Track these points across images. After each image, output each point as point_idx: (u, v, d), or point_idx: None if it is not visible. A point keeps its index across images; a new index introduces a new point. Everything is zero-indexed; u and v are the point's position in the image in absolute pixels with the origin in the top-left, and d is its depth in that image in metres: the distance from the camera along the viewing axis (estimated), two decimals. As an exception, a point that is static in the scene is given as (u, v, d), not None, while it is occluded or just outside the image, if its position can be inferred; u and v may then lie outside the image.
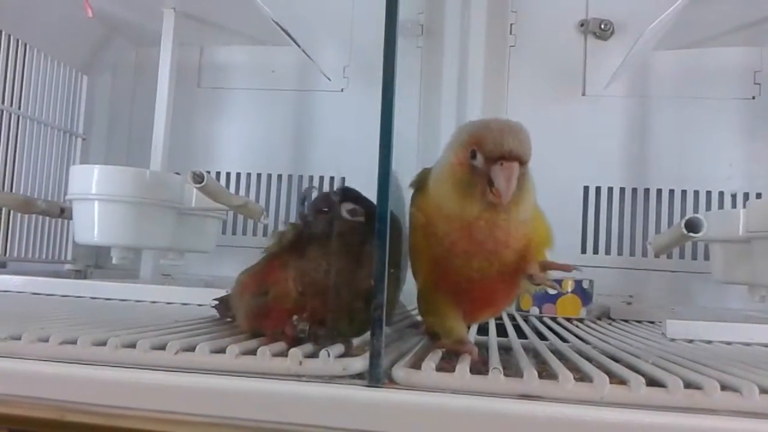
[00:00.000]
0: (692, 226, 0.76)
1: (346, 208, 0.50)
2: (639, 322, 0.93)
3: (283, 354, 0.44)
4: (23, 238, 1.15)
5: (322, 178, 1.26)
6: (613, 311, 0.99)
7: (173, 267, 1.11)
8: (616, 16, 1.19)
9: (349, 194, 0.52)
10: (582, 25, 1.20)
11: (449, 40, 1.19)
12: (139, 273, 1.06)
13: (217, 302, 0.65)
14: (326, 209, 0.51)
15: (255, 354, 0.44)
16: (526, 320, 0.86)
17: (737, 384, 0.40)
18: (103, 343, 0.45)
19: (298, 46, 1.13)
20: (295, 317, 0.47)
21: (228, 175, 1.29)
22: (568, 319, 0.91)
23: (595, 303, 0.98)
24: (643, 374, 0.42)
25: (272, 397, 0.40)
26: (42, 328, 0.49)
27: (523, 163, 0.47)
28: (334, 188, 0.55)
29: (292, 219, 1.24)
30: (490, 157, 0.46)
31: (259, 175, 1.28)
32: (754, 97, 1.16)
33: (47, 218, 1.17)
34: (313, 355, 0.44)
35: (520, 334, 0.70)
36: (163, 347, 0.44)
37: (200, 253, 1.12)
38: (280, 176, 1.27)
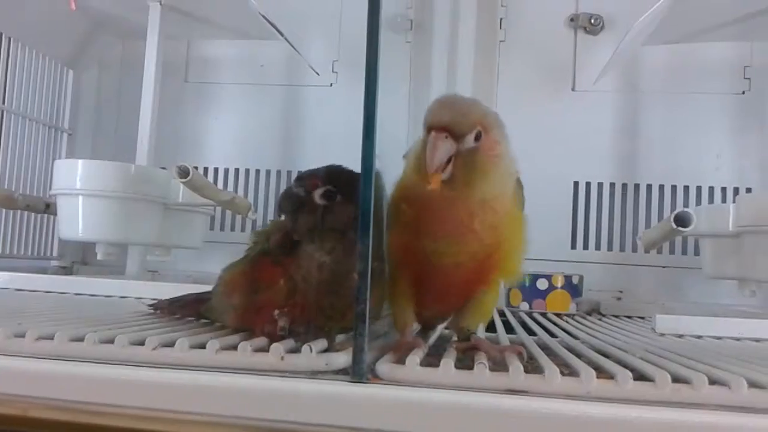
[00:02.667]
0: (681, 220, 0.76)
1: (318, 194, 0.49)
2: (629, 317, 0.93)
3: (265, 349, 0.43)
4: (8, 235, 1.13)
5: (311, 176, 1.24)
6: (603, 306, 0.99)
7: (160, 263, 1.09)
8: (606, 11, 1.19)
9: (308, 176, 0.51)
10: (572, 19, 1.20)
11: (438, 34, 1.18)
12: (125, 269, 1.05)
13: (162, 303, 0.63)
14: (298, 204, 0.50)
15: (236, 349, 0.43)
16: (515, 315, 0.86)
17: (726, 378, 0.39)
18: (81, 339, 0.44)
19: (287, 40, 1.12)
20: (276, 312, 0.46)
21: (216, 170, 1.27)
22: (558, 315, 0.90)
23: (585, 298, 0.98)
24: (631, 369, 0.41)
25: (252, 392, 0.39)
26: (19, 324, 0.48)
27: (455, 136, 0.44)
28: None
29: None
30: (427, 129, 0.45)
31: (247, 171, 1.27)
32: (743, 92, 1.15)
33: (33, 214, 1.16)
34: (296, 350, 0.43)
35: (509, 329, 0.70)
36: (141, 343, 0.43)
37: (187, 249, 1.11)
38: (268, 171, 1.26)
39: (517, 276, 0.52)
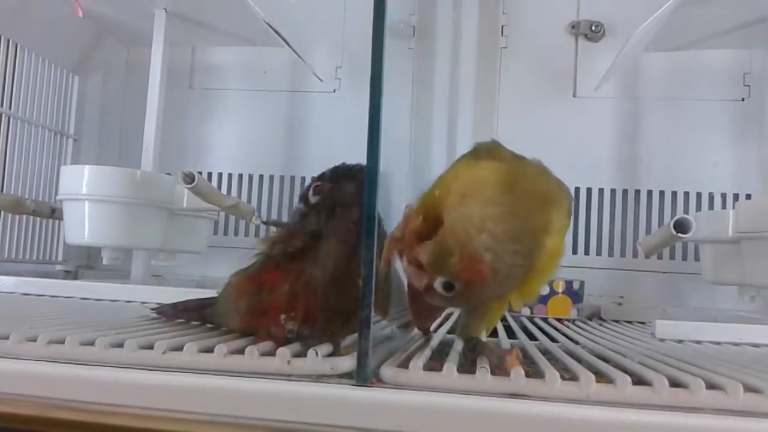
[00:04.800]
0: (681, 226, 0.77)
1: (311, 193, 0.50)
2: (629, 322, 0.93)
3: (272, 353, 0.44)
4: (14, 239, 1.14)
5: (313, 179, 1.25)
6: (604, 312, 0.99)
7: (164, 267, 1.10)
8: (607, 18, 1.20)
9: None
10: (573, 26, 1.21)
11: (441, 41, 1.19)
12: (130, 274, 1.06)
13: (165, 306, 0.64)
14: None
15: (243, 353, 0.44)
16: (516, 320, 0.87)
17: (722, 383, 0.40)
18: (91, 343, 0.45)
19: (290, 47, 1.13)
20: (283, 316, 0.47)
21: (220, 175, 1.29)
22: (559, 320, 0.91)
23: (586, 304, 0.98)
24: (630, 373, 0.42)
25: (259, 395, 0.40)
26: (31, 328, 0.49)
27: None
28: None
29: (283, 220, 1.25)
30: None
31: (250, 176, 1.28)
32: (743, 99, 1.16)
33: (38, 219, 1.17)
34: (302, 354, 0.44)
35: (510, 334, 0.71)
36: (150, 347, 0.44)
37: (192, 254, 1.12)
38: (271, 177, 1.27)
39: (532, 299, 0.52)
